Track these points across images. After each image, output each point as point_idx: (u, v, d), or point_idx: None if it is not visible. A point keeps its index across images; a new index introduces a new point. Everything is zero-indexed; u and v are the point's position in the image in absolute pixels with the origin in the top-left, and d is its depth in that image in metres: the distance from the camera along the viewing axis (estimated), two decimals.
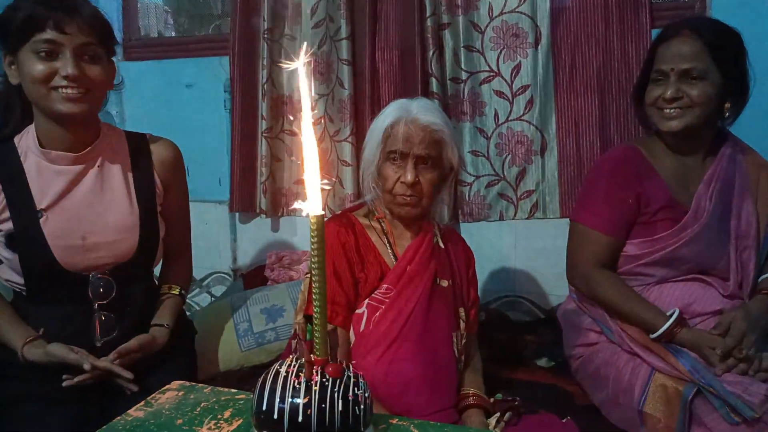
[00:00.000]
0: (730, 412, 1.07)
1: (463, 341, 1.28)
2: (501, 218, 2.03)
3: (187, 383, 0.83)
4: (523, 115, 1.98)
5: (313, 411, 0.61)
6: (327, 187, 2.24)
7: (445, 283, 1.27)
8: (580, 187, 1.89)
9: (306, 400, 0.62)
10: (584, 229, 1.37)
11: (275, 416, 0.62)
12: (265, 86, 2.21)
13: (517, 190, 2.01)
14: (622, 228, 1.33)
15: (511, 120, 1.99)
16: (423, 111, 1.23)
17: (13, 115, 1.21)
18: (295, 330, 1.28)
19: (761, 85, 1.33)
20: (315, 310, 0.66)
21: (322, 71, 2.18)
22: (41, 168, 1.19)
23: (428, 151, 1.21)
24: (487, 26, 1.98)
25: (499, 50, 1.98)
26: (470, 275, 1.38)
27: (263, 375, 0.66)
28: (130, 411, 0.75)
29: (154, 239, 1.30)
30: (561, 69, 1.94)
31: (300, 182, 2.31)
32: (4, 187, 1.17)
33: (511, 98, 1.99)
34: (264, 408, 0.63)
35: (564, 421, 1.15)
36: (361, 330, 1.21)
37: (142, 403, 0.77)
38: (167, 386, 0.82)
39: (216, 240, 2.40)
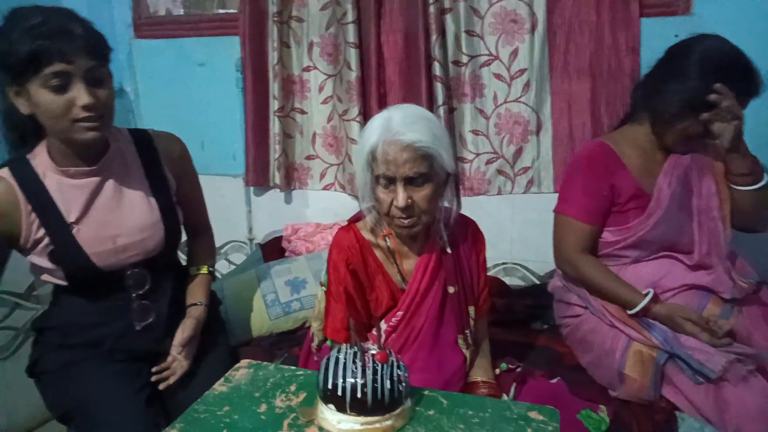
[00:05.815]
0: (696, 375, 1.28)
1: (470, 337, 1.34)
2: (499, 193, 2.21)
3: (254, 362, 1.02)
4: (521, 97, 2.12)
5: (368, 388, 0.81)
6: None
7: (452, 290, 1.30)
8: None
9: (363, 380, 0.81)
10: (567, 219, 1.53)
11: (339, 392, 0.82)
12: (276, 67, 2.32)
13: (515, 166, 2.18)
14: (600, 216, 1.49)
15: (509, 101, 2.14)
16: (404, 126, 1.11)
17: (27, 134, 1.24)
18: (313, 334, 1.41)
19: None
20: None
21: (330, 53, 2.29)
22: (62, 185, 1.24)
23: (416, 170, 1.12)
24: (486, 12, 2.09)
25: (498, 35, 2.10)
26: (481, 261, 1.38)
27: (325, 360, 0.85)
28: (215, 386, 0.94)
29: (177, 229, 1.41)
30: (556, 54, 2.07)
31: (310, 158, 2.46)
32: (34, 208, 1.22)
33: (509, 81, 2.12)
34: (329, 386, 0.82)
35: (554, 381, 1.36)
36: None
37: (222, 379, 0.96)
38: (239, 365, 1.01)
39: (232, 211, 2.56)
